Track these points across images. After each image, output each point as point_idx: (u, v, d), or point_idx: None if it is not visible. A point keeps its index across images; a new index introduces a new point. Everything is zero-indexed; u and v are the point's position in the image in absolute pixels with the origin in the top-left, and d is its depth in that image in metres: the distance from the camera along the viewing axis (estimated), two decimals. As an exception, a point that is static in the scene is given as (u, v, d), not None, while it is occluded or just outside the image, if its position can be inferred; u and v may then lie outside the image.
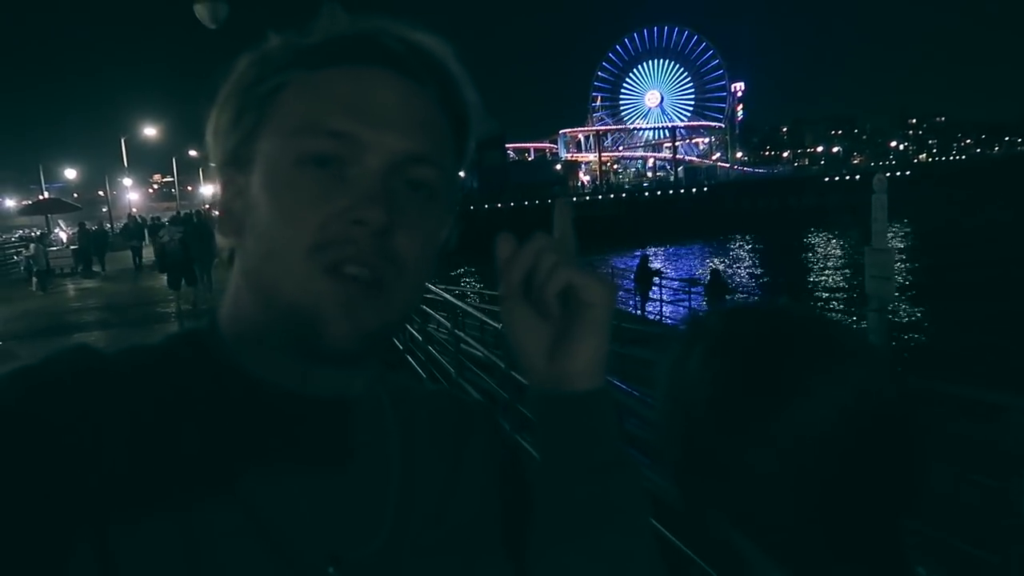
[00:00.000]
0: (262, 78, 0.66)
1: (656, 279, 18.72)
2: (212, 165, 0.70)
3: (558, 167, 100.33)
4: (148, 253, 30.76)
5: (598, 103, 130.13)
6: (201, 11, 9.06)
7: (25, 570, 0.52)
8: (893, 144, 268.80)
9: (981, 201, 66.43)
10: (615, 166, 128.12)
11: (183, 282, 14.93)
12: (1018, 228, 40.36)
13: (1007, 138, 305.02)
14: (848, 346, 0.67)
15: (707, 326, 0.73)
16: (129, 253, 26.26)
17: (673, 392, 0.72)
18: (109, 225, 43.95)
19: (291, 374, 0.66)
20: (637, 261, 19.82)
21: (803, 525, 0.65)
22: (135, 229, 28.20)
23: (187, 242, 14.83)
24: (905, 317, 22.09)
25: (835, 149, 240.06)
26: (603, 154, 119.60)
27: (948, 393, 5.93)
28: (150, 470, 0.58)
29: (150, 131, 49.15)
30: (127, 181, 58.33)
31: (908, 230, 48.15)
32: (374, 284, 0.63)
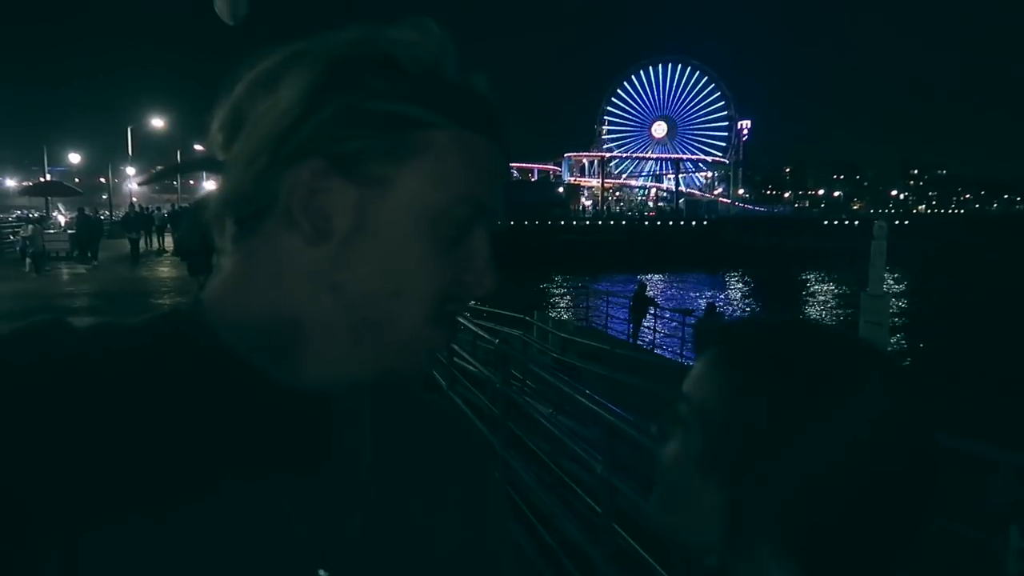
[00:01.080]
0: (397, 96, 0.62)
1: (651, 308, 18.75)
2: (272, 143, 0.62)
3: (560, 190, 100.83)
4: (158, 244, 30.93)
5: (605, 129, 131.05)
6: (221, 6, 9.08)
7: None
8: (894, 193, 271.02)
9: (979, 254, 66.91)
10: (617, 194, 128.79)
11: (201, 271, 15.75)
12: (1010, 285, 40.59)
13: (1006, 196, 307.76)
14: (877, 358, 0.68)
15: (752, 343, 0.71)
16: (127, 243, 25.76)
17: (729, 408, 0.69)
18: (108, 213, 43.90)
19: (279, 362, 0.64)
20: (633, 287, 19.86)
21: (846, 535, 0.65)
22: (135, 219, 27.44)
23: (204, 235, 15.59)
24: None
25: (836, 193, 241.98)
26: (606, 180, 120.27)
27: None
28: (125, 466, 0.56)
29: (157, 122, 49.24)
30: (130, 170, 58.32)
31: (903, 279, 48.38)
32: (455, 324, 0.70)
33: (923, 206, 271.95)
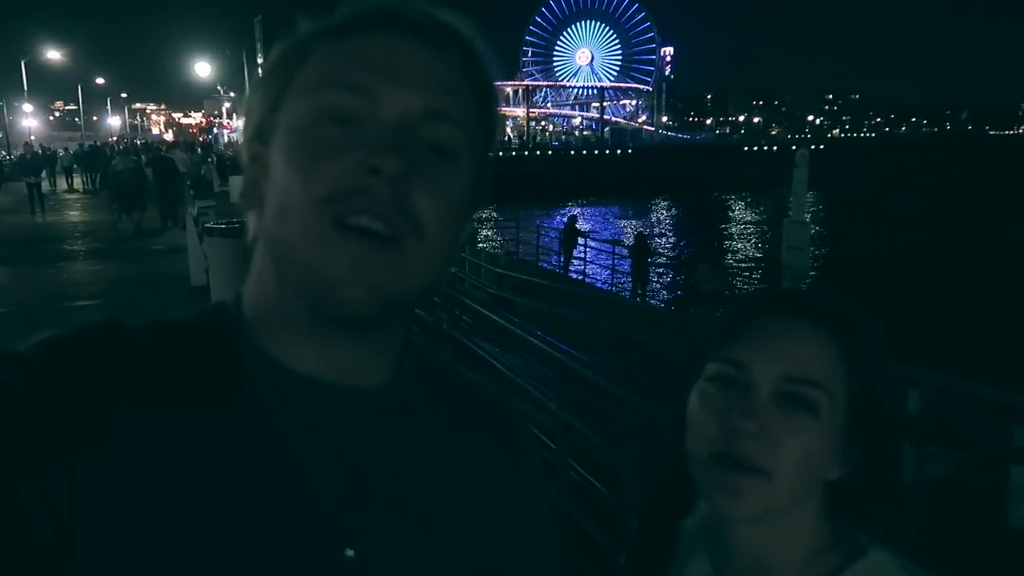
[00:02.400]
0: (287, 54, 0.67)
1: (581, 240, 18.93)
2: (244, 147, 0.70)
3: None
4: (67, 184, 28.97)
5: (529, 57, 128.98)
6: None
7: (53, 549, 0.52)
8: (810, 118, 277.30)
9: (891, 177, 69.65)
10: (543, 123, 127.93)
11: (136, 208, 16.72)
12: (924, 209, 42.56)
13: (913, 119, 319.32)
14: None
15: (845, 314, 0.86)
16: (23, 187, 22.74)
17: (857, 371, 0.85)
18: (5, 154, 40.96)
19: (313, 358, 0.66)
20: (563, 220, 19.96)
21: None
22: (33, 161, 23.90)
23: (140, 174, 16.94)
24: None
25: (756, 120, 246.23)
26: (531, 110, 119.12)
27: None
28: (174, 457, 0.58)
29: (54, 55, 45.79)
30: (26, 107, 54.45)
31: (820, 203, 50.11)
32: (389, 240, 0.60)
33: (837, 130, 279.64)
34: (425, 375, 0.75)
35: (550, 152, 75.17)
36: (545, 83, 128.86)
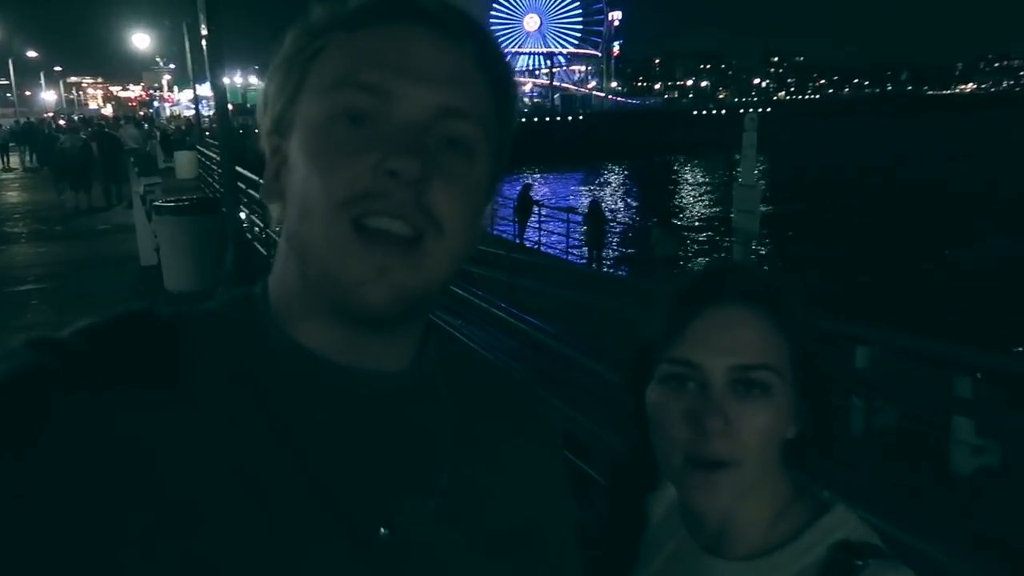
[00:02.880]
0: (304, 45, 0.66)
1: (536, 208, 18.96)
2: (261, 138, 0.71)
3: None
4: (2, 164, 27.76)
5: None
6: None
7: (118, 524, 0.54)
8: (756, 81, 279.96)
9: (835, 139, 71.04)
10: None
11: (83, 186, 16.33)
12: (865, 169, 43.56)
13: (855, 80, 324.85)
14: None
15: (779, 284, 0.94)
16: None
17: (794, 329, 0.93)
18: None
19: (338, 346, 0.67)
20: (517, 188, 19.95)
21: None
22: None
23: (88, 151, 16.60)
24: (764, 249, 23.63)
25: (703, 84, 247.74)
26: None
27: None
28: (208, 437, 0.60)
29: (-22, 26, 43.64)
30: (-49, 82, 51.98)
31: (769, 166, 50.99)
32: (410, 241, 0.61)
33: (783, 93, 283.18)
34: (447, 359, 0.76)
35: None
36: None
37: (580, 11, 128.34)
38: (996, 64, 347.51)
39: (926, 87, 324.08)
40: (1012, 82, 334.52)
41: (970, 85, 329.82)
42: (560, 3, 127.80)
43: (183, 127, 38.13)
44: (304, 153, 0.63)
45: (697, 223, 31.12)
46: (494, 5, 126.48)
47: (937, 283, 17.33)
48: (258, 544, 0.58)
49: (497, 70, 0.69)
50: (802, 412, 0.92)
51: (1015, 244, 21.00)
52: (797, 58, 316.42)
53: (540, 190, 35.00)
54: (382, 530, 0.63)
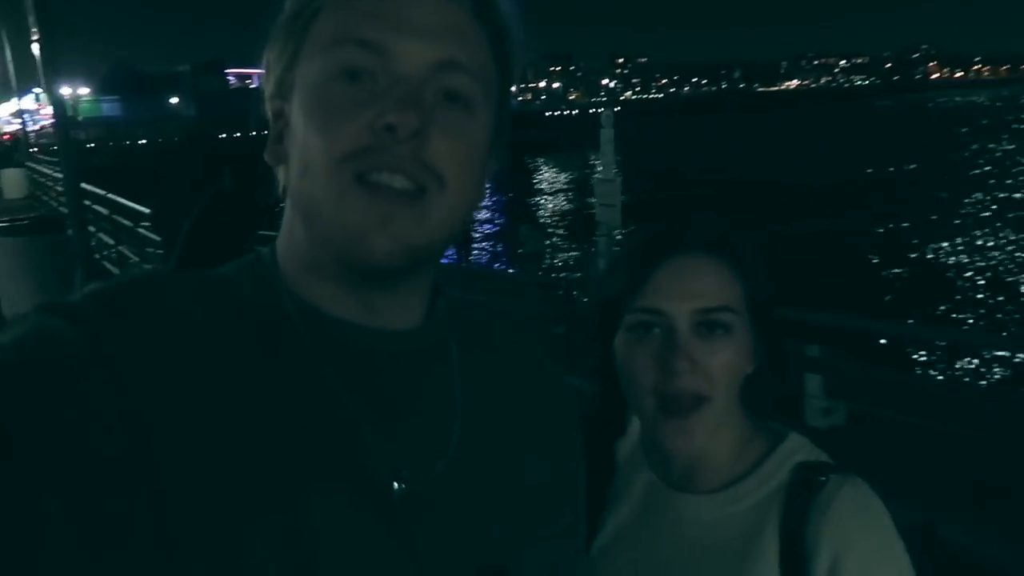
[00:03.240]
0: (301, 8, 0.66)
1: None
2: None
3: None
4: None
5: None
6: None
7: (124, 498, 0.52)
8: (604, 82, 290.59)
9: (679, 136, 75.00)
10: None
11: None
12: (708, 163, 46.29)
13: (695, 79, 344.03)
14: None
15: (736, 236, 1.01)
16: None
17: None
18: None
19: (348, 304, 0.67)
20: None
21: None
22: None
23: None
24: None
25: (555, 85, 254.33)
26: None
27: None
28: (228, 405, 0.59)
29: None
30: None
31: (623, 160, 53.05)
32: (413, 193, 0.62)
33: (629, 92, 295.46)
34: (456, 316, 0.77)
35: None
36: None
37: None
38: (816, 62, 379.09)
39: (756, 84, 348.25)
40: (829, 78, 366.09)
41: (794, 82, 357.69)
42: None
43: (7, 142, 34.93)
44: (304, 112, 0.63)
45: (560, 219, 31.97)
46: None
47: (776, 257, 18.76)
48: (274, 490, 0.58)
49: (495, 23, 0.68)
50: (759, 349, 1.00)
51: (825, 222, 23.36)
52: (640, 59, 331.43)
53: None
54: (396, 485, 0.64)
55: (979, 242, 23.49)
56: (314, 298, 0.67)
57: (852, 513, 0.91)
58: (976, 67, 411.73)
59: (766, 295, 1.01)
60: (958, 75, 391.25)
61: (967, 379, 12.34)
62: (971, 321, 16.10)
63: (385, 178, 0.61)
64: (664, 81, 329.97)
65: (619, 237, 11.99)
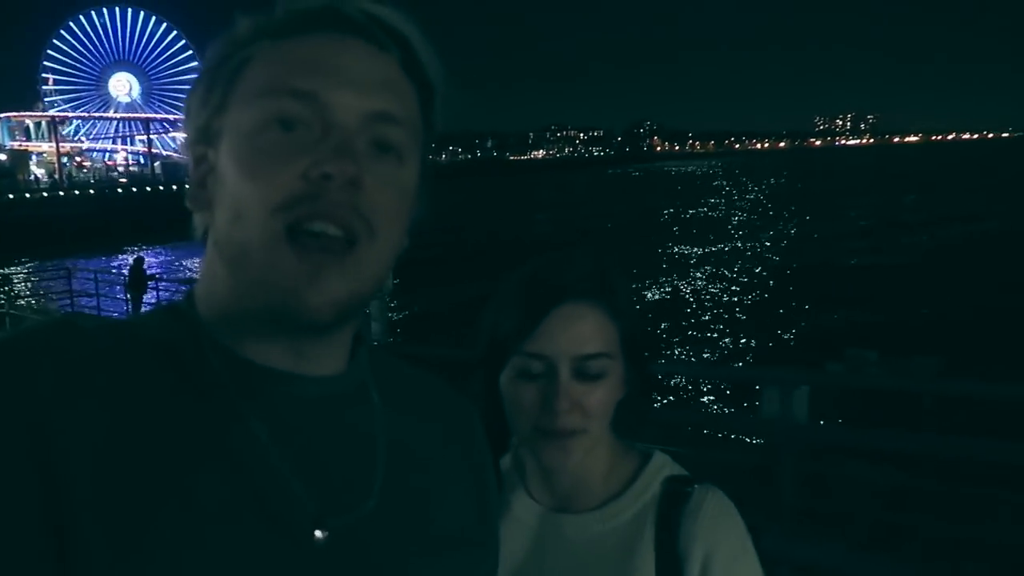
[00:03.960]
0: (229, 55, 0.67)
1: (151, 282, 17.51)
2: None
3: (2, 157, 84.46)
4: None
5: (51, 84, 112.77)
6: None
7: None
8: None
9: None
10: (79, 159, 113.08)
11: None
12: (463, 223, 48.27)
13: (451, 147, 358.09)
14: None
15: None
16: None
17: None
18: None
19: (273, 352, 0.66)
20: (122, 264, 18.23)
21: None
22: None
23: None
24: (401, 302, 24.69)
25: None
26: (62, 144, 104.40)
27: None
28: (145, 452, 0.58)
29: None
30: None
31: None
32: (344, 243, 0.62)
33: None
34: (377, 365, 0.77)
35: (92, 192, 66.98)
36: (76, 115, 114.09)
37: (177, 75, 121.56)
38: (559, 134, 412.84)
39: (508, 153, 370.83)
40: (571, 149, 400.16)
41: (541, 152, 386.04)
42: (155, 65, 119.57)
43: None
44: (235, 160, 0.63)
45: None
46: (83, 68, 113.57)
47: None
48: (191, 553, 0.57)
49: (423, 77, 0.70)
50: (630, 378, 1.11)
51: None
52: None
53: (154, 264, 32.07)
54: (317, 533, 0.63)
55: (699, 279, 27.07)
56: (236, 345, 0.66)
57: (718, 518, 1.04)
58: (690, 142, 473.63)
59: (637, 331, 1.11)
60: (676, 148, 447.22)
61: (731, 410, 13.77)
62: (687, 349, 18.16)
63: (319, 226, 0.61)
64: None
65: (387, 296, 11.93)
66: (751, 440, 6.43)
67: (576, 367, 1.03)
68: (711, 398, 14.28)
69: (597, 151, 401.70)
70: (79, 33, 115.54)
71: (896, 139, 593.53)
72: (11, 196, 61.02)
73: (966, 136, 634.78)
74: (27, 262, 40.30)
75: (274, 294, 0.61)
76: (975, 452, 4.63)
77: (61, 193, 63.21)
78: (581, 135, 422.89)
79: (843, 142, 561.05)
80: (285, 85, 0.63)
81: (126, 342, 0.64)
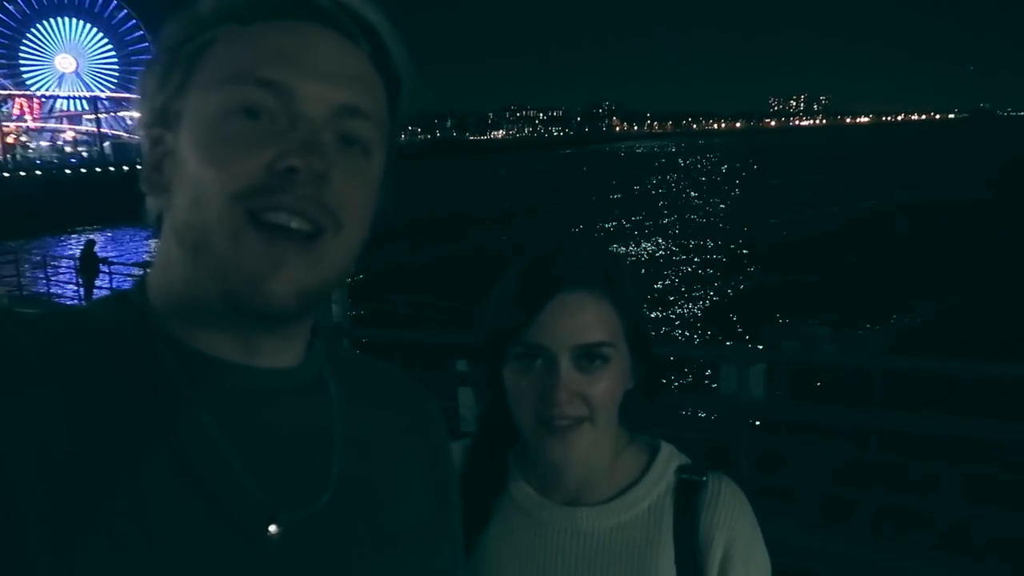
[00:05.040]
0: (191, 36, 0.64)
1: (102, 266, 17.06)
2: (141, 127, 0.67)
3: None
4: None
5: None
6: None
7: None
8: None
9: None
10: (23, 138, 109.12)
11: None
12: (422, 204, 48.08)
13: (410, 128, 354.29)
14: None
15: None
16: None
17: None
18: None
19: (227, 343, 0.65)
20: (79, 248, 17.73)
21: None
22: None
23: None
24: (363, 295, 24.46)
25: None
26: (5, 123, 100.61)
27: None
28: (90, 446, 0.56)
29: None
30: None
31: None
32: (309, 236, 0.61)
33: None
34: (334, 356, 0.76)
35: (39, 172, 64.82)
36: (18, 93, 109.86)
37: (125, 52, 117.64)
38: (519, 113, 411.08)
39: (467, 133, 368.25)
40: (531, 129, 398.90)
41: (501, 132, 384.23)
42: (99, 42, 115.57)
43: None
44: (197, 145, 0.61)
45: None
46: (23, 43, 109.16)
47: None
48: (137, 551, 0.55)
49: (391, 70, 0.69)
50: (637, 368, 1.09)
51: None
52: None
53: (107, 248, 31.27)
54: (271, 528, 0.62)
55: (653, 254, 27.49)
56: (189, 336, 0.64)
57: (736, 506, 1.06)
58: (648, 122, 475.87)
59: (642, 321, 1.10)
60: (636, 128, 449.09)
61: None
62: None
63: (283, 219, 0.60)
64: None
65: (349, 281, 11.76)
66: (710, 417, 6.56)
67: (576, 357, 1.01)
68: (670, 376, 14.50)
69: (557, 131, 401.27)
70: (21, 6, 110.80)
71: (848, 120, 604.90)
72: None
73: (914, 117, 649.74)
74: (-30, 246, 38.98)
75: (236, 282, 0.60)
76: (922, 426, 4.81)
77: (6, 174, 60.98)
78: (541, 115, 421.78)
79: (797, 123, 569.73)
80: (252, 73, 0.61)
81: (71, 333, 0.62)
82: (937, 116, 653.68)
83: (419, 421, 0.81)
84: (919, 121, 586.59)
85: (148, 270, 0.68)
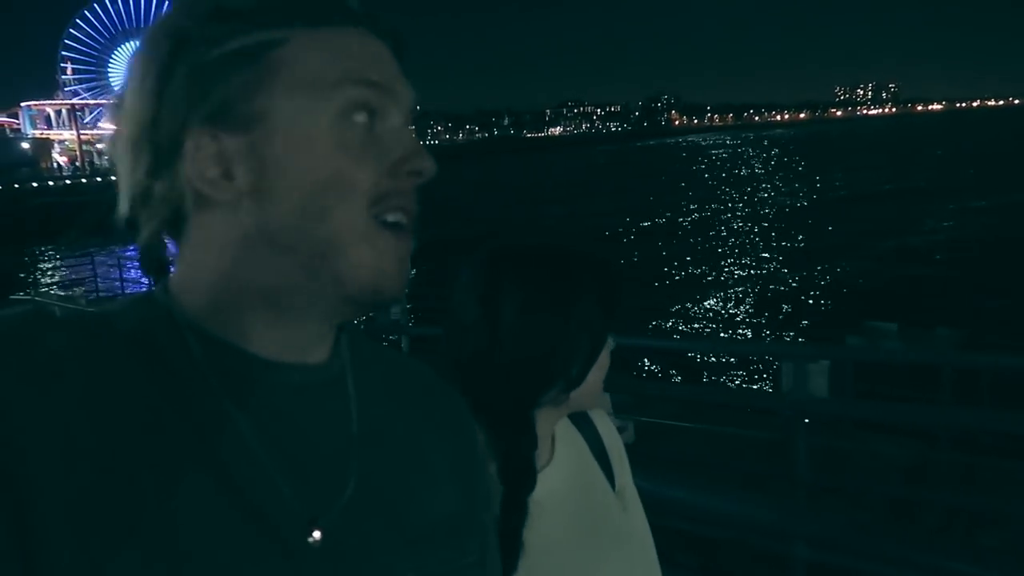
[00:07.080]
0: (235, 33, 0.61)
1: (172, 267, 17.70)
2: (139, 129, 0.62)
3: (25, 146, 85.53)
4: None
5: (69, 73, 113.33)
6: None
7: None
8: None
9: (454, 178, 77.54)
10: (100, 146, 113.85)
11: None
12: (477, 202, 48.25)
13: (467, 126, 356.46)
14: None
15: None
16: None
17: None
18: None
19: (271, 339, 0.64)
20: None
21: None
22: None
23: None
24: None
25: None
26: (83, 132, 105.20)
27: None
28: (123, 454, 0.56)
29: None
30: None
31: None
32: (411, 231, 0.66)
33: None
34: (358, 351, 0.75)
35: (114, 178, 67.38)
36: (95, 102, 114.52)
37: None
38: (576, 110, 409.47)
39: (524, 130, 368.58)
40: (588, 125, 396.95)
41: (558, 128, 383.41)
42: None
43: None
44: (316, 151, 0.61)
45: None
46: (102, 54, 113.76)
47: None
48: (173, 566, 0.55)
49: (405, 70, 0.71)
50: None
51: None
52: (415, 108, 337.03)
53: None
54: (316, 535, 0.62)
55: (718, 254, 26.96)
56: (228, 334, 0.63)
57: None
58: (708, 115, 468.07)
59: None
60: (696, 122, 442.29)
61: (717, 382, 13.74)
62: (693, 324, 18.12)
63: (401, 217, 0.64)
64: (439, 128, 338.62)
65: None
66: (770, 416, 6.43)
67: None
68: (731, 373, 14.26)
69: (615, 127, 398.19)
70: (94, 19, 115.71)
71: (919, 107, 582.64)
72: (34, 184, 61.73)
73: (991, 103, 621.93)
74: (48, 248, 40.88)
75: (369, 281, 0.63)
76: (995, 425, 4.61)
77: (84, 180, 63.72)
78: (598, 111, 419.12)
79: (864, 112, 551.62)
80: (361, 75, 0.62)
81: (101, 335, 0.61)
82: (1016, 101, 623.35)
83: (445, 417, 0.80)
84: (996, 108, 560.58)
85: (176, 271, 0.66)
